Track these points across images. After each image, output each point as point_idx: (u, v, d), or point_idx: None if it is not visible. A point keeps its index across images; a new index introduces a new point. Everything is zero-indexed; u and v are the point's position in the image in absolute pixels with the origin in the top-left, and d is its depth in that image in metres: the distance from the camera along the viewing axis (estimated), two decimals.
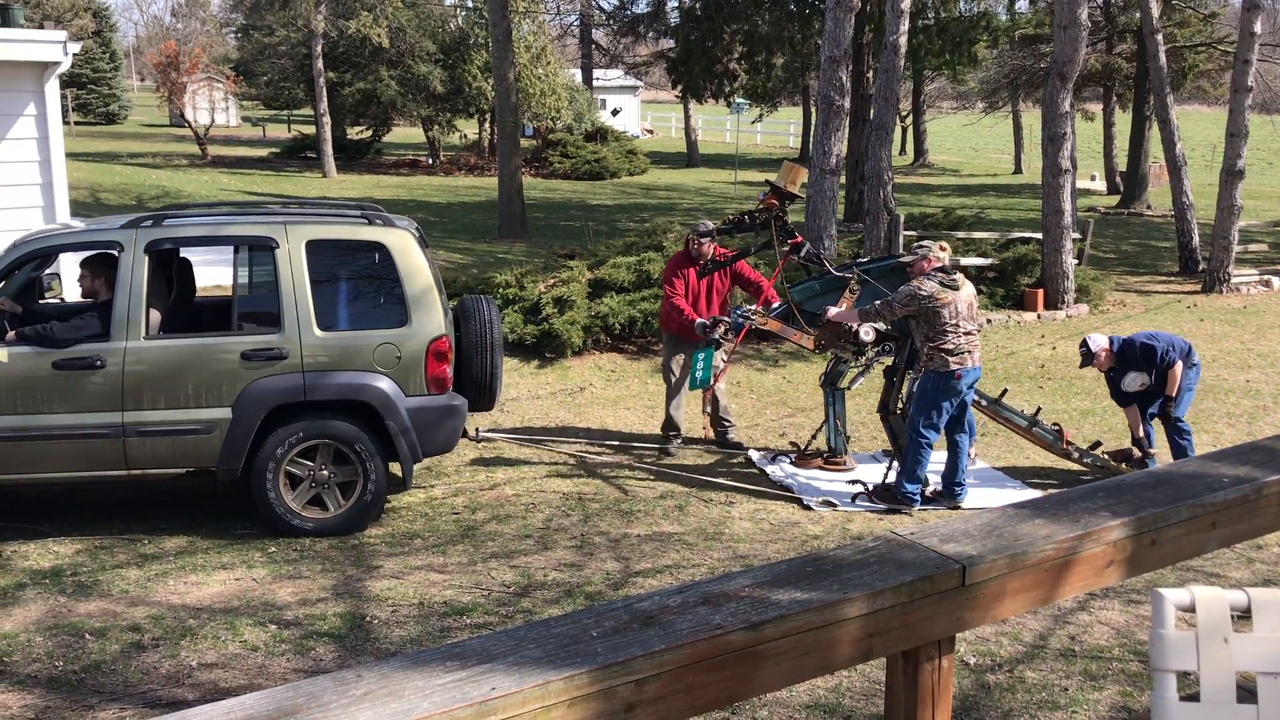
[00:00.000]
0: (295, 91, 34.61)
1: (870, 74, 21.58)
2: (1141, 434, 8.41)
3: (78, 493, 7.58)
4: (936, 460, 7.97)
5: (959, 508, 7.69)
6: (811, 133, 17.47)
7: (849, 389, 8.64)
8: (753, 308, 8.42)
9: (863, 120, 20.68)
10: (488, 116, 32.14)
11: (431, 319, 6.83)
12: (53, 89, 10.76)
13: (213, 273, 11.85)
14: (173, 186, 24.08)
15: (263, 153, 35.39)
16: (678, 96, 30.73)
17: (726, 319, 8.39)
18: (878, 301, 7.67)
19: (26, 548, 6.54)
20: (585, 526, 7.24)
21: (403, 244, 6.86)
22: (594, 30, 38.33)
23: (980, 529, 2.30)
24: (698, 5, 24.67)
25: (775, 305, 8.58)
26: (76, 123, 43.65)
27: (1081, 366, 8.53)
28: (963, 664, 5.07)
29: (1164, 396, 8.22)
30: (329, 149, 29.12)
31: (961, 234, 15.37)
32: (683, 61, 24.85)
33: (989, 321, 13.91)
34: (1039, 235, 15.14)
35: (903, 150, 41.70)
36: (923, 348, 7.47)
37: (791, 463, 8.66)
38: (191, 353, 6.63)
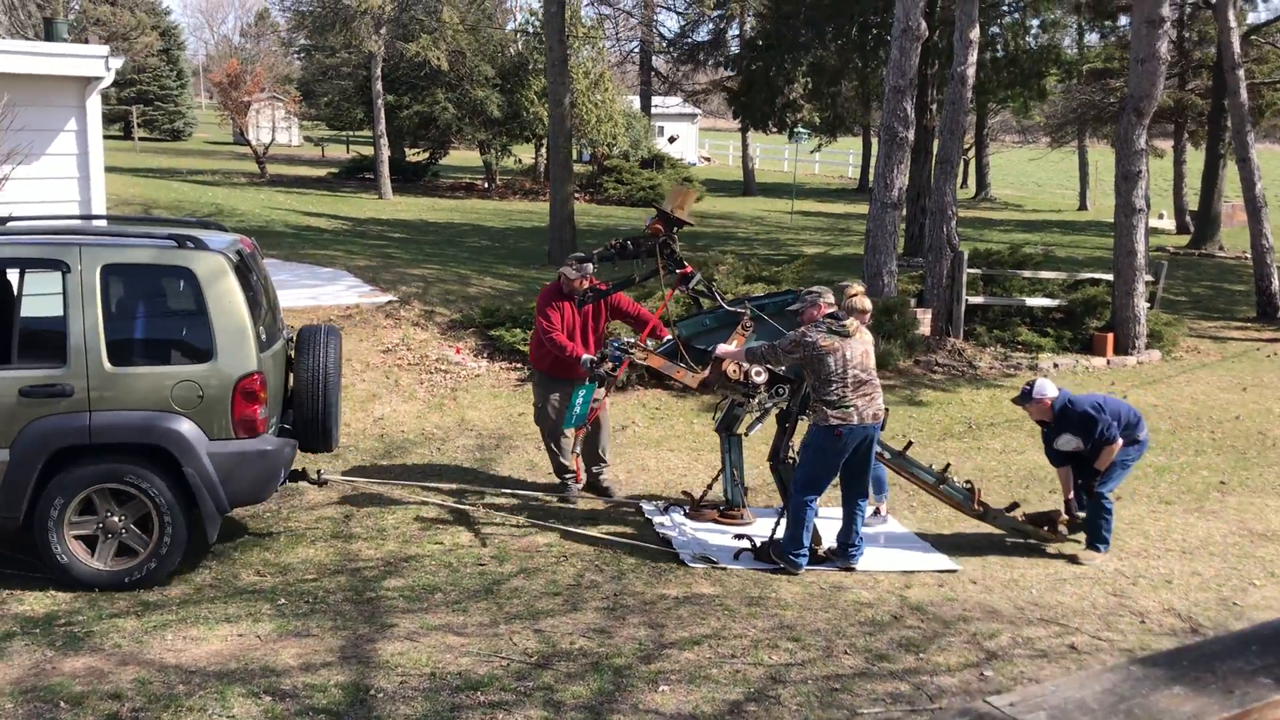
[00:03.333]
0: (355, 112, 34.66)
1: (934, 106, 20.98)
2: (1070, 497, 7.82)
3: None
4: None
5: (851, 569, 7.17)
6: (873, 164, 16.89)
7: (746, 435, 8.00)
8: (634, 341, 7.89)
9: (925, 153, 20.09)
10: (544, 142, 31.91)
11: (240, 355, 6.15)
12: (94, 105, 10.52)
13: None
14: (227, 204, 24.02)
15: (321, 173, 35.45)
16: (740, 127, 30.25)
17: (608, 353, 7.85)
18: (764, 344, 7.18)
19: (24, 592, 6.15)
20: (618, 585, 6.70)
21: (212, 271, 6.17)
22: (654, 58, 38.06)
23: (1103, 702, 1.74)
24: (759, 37, 24.22)
25: (665, 339, 8.04)
26: (141, 138, 44.19)
27: (1014, 401, 7.90)
28: None
29: (1092, 468, 7.61)
30: (386, 170, 29.01)
31: (1028, 273, 14.70)
32: (744, 92, 24.39)
33: (1055, 366, 13.22)
34: (1109, 276, 14.43)
35: (964, 184, 40.90)
36: (811, 399, 7.02)
37: (685, 514, 8.05)
38: None
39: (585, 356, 7.84)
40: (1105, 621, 6.56)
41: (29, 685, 4.96)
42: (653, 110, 37.04)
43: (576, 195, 26.72)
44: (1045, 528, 7.83)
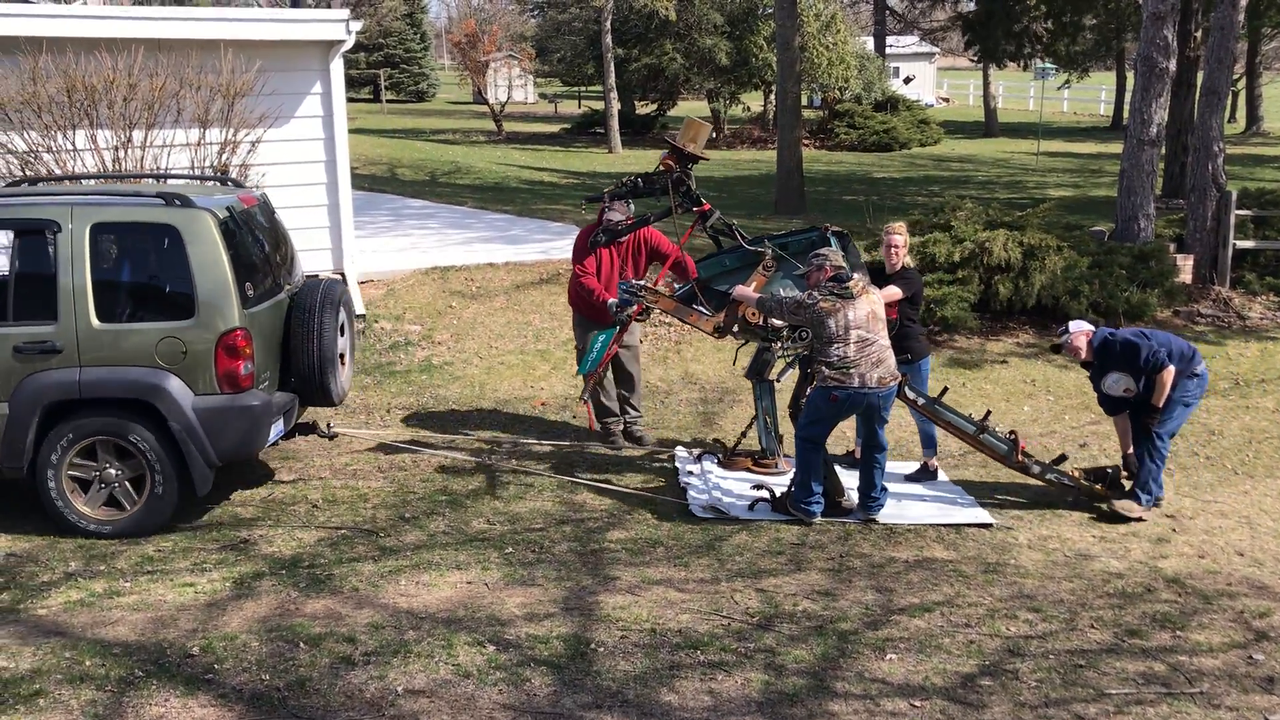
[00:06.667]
0: (586, 67, 35.09)
1: (1199, 33, 19.24)
2: (1131, 452, 7.13)
3: (327, 483, 7.56)
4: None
5: (874, 521, 6.85)
6: (1128, 99, 15.67)
7: (778, 381, 7.51)
8: (642, 282, 7.48)
9: (1186, 85, 18.46)
10: (772, 88, 31.37)
11: (221, 311, 6.20)
12: (337, 67, 10.95)
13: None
14: (465, 162, 24.83)
15: (554, 129, 36.15)
16: (974, 60, 28.83)
17: (619, 295, 7.48)
18: (773, 297, 6.97)
19: (274, 533, 6.50)
20: (844, 545, 6.47)
21: (196, 228, 6.21)
22: None
23: None
24: None
25: (689, 282, 7.70)
26: (388, 100, 46.28)
27: (1053, 351, 7.34)
28: None
29: (1149, 405, 6.94)
30: (615, 124, 29.29)
31: None
32: (982, 23, 23.11)
33: None
34: None
35: (1231, 117, 37.59)
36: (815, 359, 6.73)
37: (718, 463, 7.67)
38: None
39: (610, 300, 7.65)
40: None
41: (274, 624, 5.22)
42: (887, 51, 35.72)
43: (806, 141, 26.13)
44: (1101, 484, 7.23)
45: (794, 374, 7.49)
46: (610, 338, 7.62)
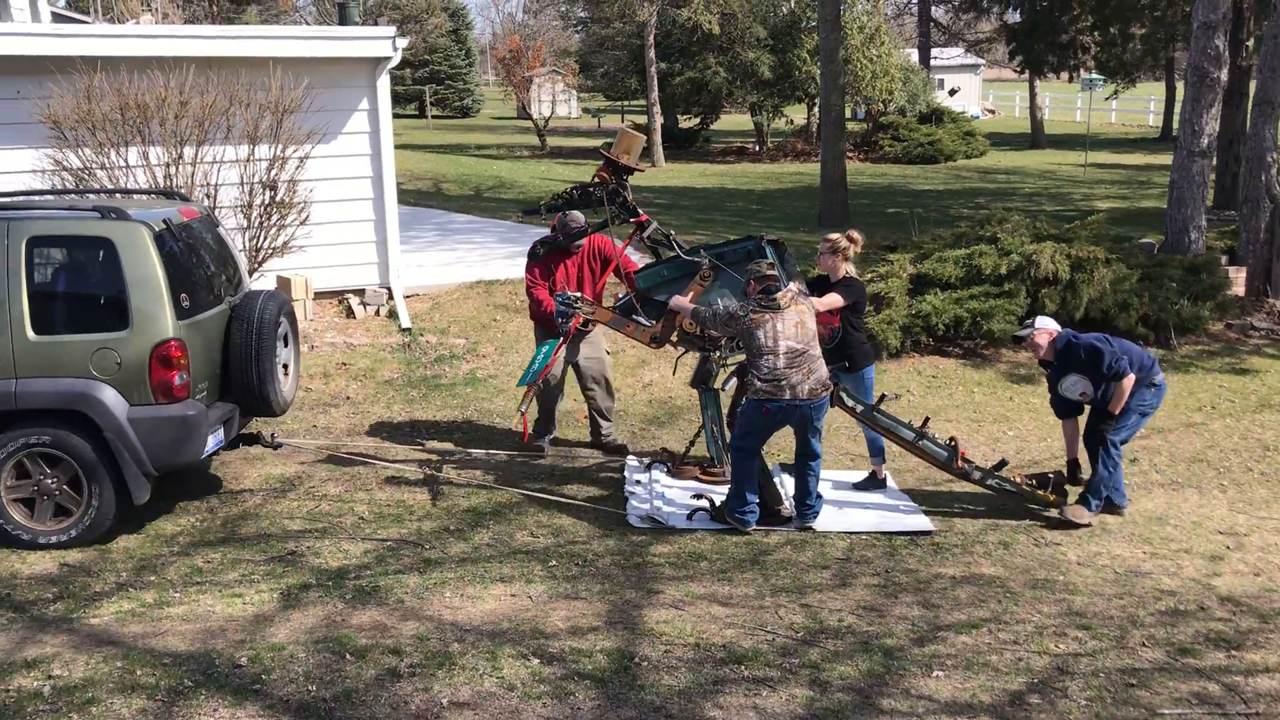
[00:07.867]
0: (629, 82, 35.25)
1: (1250, 42, 18.99)
2: (1076, 455, 7.09)
3: (373, 495, 7.61)
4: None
5: (809, 529, 6.87)
6: (1178, 109, 15.48)
7: (723, 389, 7.48)
8: (579, 294, 7.48)
9: (1238, 95, 18.23)
10: (816, 101, 31.33)
11: (155, 322, 6.24)
12: (383, 84, 11.09)
13: None
14: (508, 177, 24.99)
15: (598, 143, 36.19)
16: (1017, 71, 28.60)
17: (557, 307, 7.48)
18: (707, 309, 6.97)
19: (320, 544, 6.55)
20: (890, 561, 6.42)
21: (131, 240, 6.26)
22: (933, 8, 36.53)
23: None
24: None
25: (627, 294, 7.74)
26: (434, 116, 46.74)
27: (1015, 341, 7.26)
28: None
29: (1105, 411, 6.90)
30: (658, 138, 29.36)
31: None
32: (1026, 33, 22.94)
33: None
34: None
35: None
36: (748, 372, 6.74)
37: (667, 472, 7.65)
38: None
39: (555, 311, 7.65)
40: None
41: (321, 635, 5.26)
42: (932, 63, 35.57)
43: (850, 154, 26.06)
44: (1045, 490, 7.16)
45: (735, 382, 7.51)
46: (553, 350, 7.59)
